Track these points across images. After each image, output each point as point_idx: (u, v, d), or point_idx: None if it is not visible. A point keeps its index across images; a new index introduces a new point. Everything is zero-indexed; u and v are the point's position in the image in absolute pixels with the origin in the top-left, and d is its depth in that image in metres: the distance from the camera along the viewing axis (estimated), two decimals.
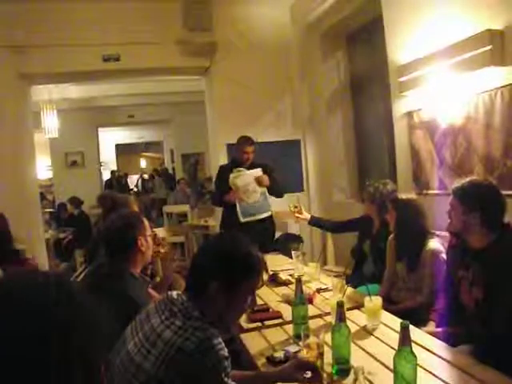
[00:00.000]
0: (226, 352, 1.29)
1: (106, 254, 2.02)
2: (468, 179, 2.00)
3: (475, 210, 1.89)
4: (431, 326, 2.12)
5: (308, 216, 3.56)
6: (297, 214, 3.49)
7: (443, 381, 1.44)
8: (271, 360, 1.68)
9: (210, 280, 1.40)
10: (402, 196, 2.69)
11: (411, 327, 1.36)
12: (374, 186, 3.07)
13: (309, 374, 1.47)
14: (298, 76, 5.10)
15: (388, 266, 2.73)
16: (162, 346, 1.27)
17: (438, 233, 2.56)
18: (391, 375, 1.39)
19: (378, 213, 3.04)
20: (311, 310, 2.09)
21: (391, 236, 2.72)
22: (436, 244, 2.46)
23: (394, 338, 1.49)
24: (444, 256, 2.38)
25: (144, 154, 17.40)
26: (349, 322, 1.67)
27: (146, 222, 2.10)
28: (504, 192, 1.99)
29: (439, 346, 1.71)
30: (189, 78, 6.29)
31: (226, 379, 1.27)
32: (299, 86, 5.11)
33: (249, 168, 3.95)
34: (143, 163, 17.59)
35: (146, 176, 13.63)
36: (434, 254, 2.43)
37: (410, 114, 3.34)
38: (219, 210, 5.24)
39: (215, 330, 1.31)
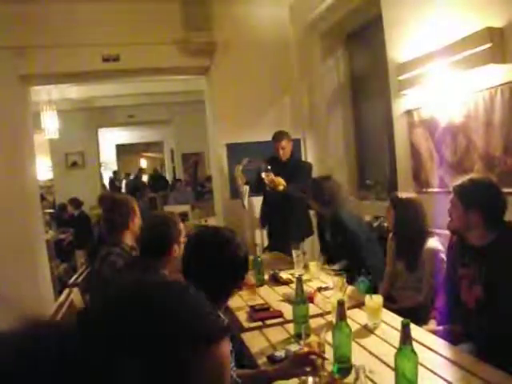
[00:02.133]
0: (230, 346, 1.31)
1: (141, 253, 2.14)
2: (468, 177, 1.99)
3: (476, 208, 1.88)
4: (432, 325, 2.12)
5: (283, 183, 3.63)
6: (268, 182, 3.61)
7: (444, 379, 1.44)
8: (272, 359, 1.68)
9: (211, 280, 1.41)
10: (402, 195, 2.69)
11: (412, 325, 1.36)
12: (315, 182, 3.30)
13: (308, 369, 1.47)
14: (297, 75, 5.10)
15: (387, 265, 2.73)
16: None
17: (437, 231, 2.55)
18: (392, 374, 1.39)
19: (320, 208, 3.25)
20: (312, 309, 2.09)
21: (390, 235, 2.72)
22: (435, 243, 2.46)
23: (395, 337, 1.49)
24: (443, 255, 2.38)
25: (144, 154, 17.40)
26: (349, 321, 1.67)
27: (182, 227, 2.17)
28: (504, 190, 1.99)
29: (440, 345, 1.71)
30: (189, 77, 6.28)
31: (231, 372, 1.29)
32: (299, 85, 5.11)
33: (285, 163, 3.92)
34: (143, 163, 17.60)
35: None
36: (433, 252, 2.42)
37: (409, 113, 3.34)
38: (220, 210, 5.25)
39: None
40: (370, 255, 2.92)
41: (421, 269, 2.47)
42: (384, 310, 2.02)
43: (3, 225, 4.29)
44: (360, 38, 4.74)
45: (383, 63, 3.66)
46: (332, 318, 1.98)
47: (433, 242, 2.46)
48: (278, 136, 3.95)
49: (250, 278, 2.51)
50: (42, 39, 4.36)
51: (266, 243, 4.23)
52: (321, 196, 3.14)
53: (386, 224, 3.44)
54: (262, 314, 2.17)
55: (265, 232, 4.12)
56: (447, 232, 2.20)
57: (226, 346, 0.53)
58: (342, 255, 3.01)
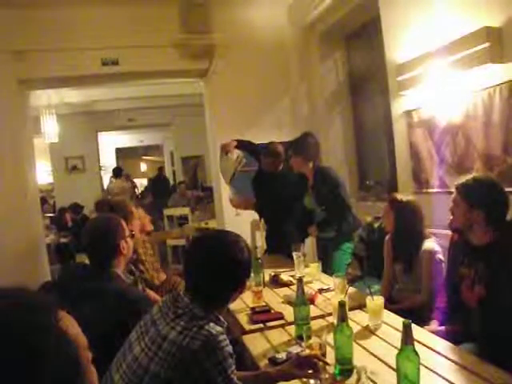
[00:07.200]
0: (231, 349, 1.30)
1: (90, 262, 1.99)
2: (471, 176, 1.99)
3: (478, 207, 1.88)
4: (433, 325, 2.11)
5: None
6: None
7: (446, 379, 1.43)
8: (273, 361, 1.67)
9: (213, 283, 1.41)
10: (400, 196, 2.67)
11: (413, 326, 1.35)
12: (301, 138, 3.40)
13: (310, 371, 1.46)
14: (296, 77, 5.10)
15: (385, 266, 2.73)
16: (169, 347, 1.27)
17: (437, 231, 2.55)
18: (394, 375, 1.39)
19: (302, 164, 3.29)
20: (313, 311, 2.08)
21: (388, 236, 2.72)
22: (432, 244, 2.46)
23: (397, 338, 1.48)
24: (440, 256, 2.39)
25: (144, 157, 17.41)
26: (351, 322, 1.66)
27: (124, 224, 2.06)
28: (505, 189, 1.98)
29: (442, 345, 1.70)
30: (188, 80, 6.28)
31: (231, 376, 1.28)
32: (298, 86, 5.11)
33: (272, 175, 3.60)
34: (143, 167, 17.60)
35: None
36: (430, 254, 2.42)
37: (409, 113, 3.34)
38: (220, 213, 5.24)
39: (220, 328, 1.32)
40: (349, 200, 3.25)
41: (418, 270, 2.47)
42: (385, 311, 2.02)
43: (4, 229, 4.29)
44: (359, 38, 4.74)
45: (382, 64, 3.67)
46: (333, 319, 1.97)
47: (430, 244, 2.46)
48: (267, 152, 3.58)
49: (257, 287, 2.49)
50: (42, 43, 4.36)
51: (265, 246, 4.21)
52: (306, 151, 3.27)
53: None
54: (263, 316, 2.16)
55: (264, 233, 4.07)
56: (447, 232, 2.20)
57: None
58: (328, 207, 3.17)
